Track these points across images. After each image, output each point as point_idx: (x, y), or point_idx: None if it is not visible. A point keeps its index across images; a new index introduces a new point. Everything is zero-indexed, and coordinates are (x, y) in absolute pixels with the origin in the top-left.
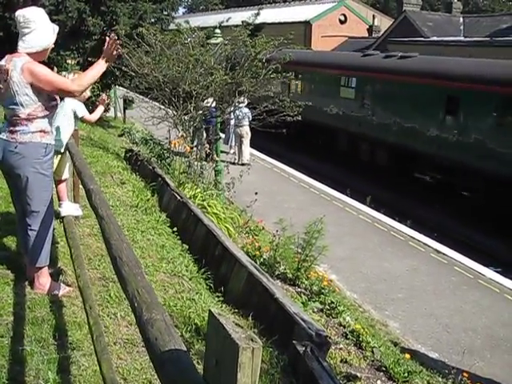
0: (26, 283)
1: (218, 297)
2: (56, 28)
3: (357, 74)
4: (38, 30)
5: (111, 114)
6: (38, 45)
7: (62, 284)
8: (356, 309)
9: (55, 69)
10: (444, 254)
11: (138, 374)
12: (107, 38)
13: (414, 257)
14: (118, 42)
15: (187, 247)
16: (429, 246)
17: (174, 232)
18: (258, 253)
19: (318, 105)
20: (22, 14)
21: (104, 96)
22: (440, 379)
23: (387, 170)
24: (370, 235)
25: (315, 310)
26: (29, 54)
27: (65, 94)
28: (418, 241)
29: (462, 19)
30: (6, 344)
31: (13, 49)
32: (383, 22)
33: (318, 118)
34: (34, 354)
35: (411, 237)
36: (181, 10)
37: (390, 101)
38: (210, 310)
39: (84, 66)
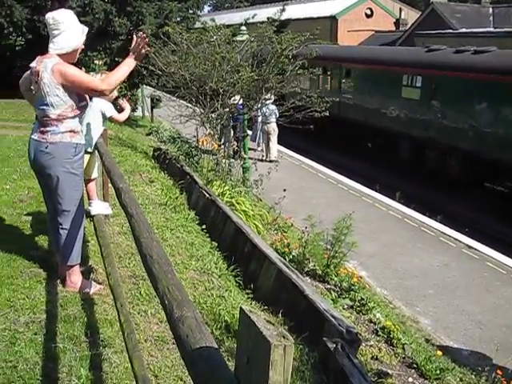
0: (58, 281)
1: (247, 294)
2: (85, 29)
3: (423, 72)
4: (67, 31)
5: (139, 113)
6: (67, 46)
7: (93, 282)
8: (386, 305)
9: (83, 69)
10: (476, 249)
11: (169, 371)
12: (135, 36)
13: (445, 252)
14: (146, 40)
15: (216, 245)
16: (460, 242)
17: (202, 230)
18: (287, 249)
19: (374, 106)
20: (51, 16)
21: (122, 100)
22: (473, 376)
23: (455, 178)
24: (399, 231)
25: (345, 306)
26: (59, 56)
27: (94, 93)
28: (449, 236)
29: (491, 10)
30: (39, 341)
31: (43, 51)
32: (410, 15)
33: (374, 120)
34: (66, 352)
35: (442, 232)
36: (206, 8)
37: (465, 102)
38: (241, 308)
39: (111, 67)
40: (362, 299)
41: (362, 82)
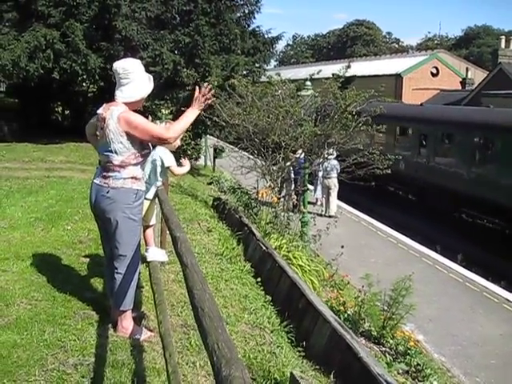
0: (110, 325)
1: (299, 352)
2: (151, 77)
3: None
4: (136, 80)
5: (201, 162)
6: (135, 95)
7: (143, 329)
8: (444, 373)
9: (150, 117)
10: None
11: None
12: (198, 89)
13: (509, 321)
14: (211, 91)
15: (270, 298)
16: None
17: (257, 282)
18: (342, 308)
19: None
20: (121, 65)
21: (183, 161)
22: None
23: None
24: (460, 295)
25: (400, 371)
26: (126, 104)
27: (159, 141)
28: None
29: None
30: None
31: (112, 97)
32: (477, 75)
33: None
34: None
35: (506, 299)
36: (272, 63)
37: None
38: (291, 373)
39: (177, 115)
40: (419, 365)
41: None
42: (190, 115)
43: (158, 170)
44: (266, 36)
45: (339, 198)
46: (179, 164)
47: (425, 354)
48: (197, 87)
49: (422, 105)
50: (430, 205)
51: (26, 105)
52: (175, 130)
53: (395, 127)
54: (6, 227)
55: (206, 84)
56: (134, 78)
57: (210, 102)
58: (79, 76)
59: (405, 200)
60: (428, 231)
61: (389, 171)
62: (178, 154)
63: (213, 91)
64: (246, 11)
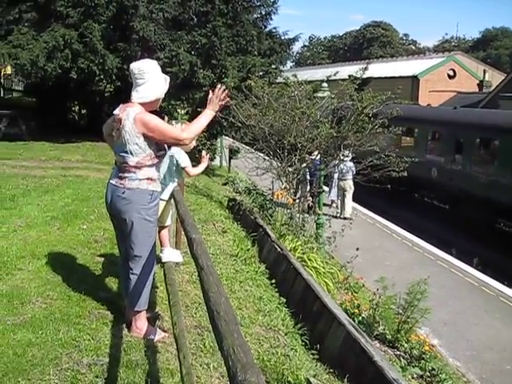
0: (124, 325)
1: (313, 354)
2: (167, 78)
3: None
4: (152, 81)
5: (216, 162)
6: (151, 95)
7: (158, 329)
8: (459, 378)
9: (166, 118)
10: None
11: None
12: (217, 88)
13: None
14: (225, 92)
15: (285, 300)
16: None
17: (272, 284)
18: (356, 311)
19: None
20: (136, 66)
21: (204, 153)
22: None
23: None
24: (476, 299)
25: (415, 376)
26: (142, 104)
27: (175, 142)
28: None
29: None
30: None
31: (128, 97)
32: (494, 77)
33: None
34: None
35: None
36: (288, 64)
37: None
38: (307, 379)
39: (193, 116)
40: (433, 369)
41: None
42: (206, 117)
43: (174, 170)
44: (282, 37)
45: (354, 199)
46: (194, 165)
47: (439, 358)
48: (211, 92)
49: (455, 108)
50: (465, 215)
51: (44, 104)
52: (191, 131)
53: (427, 131)
54: (22, 226)
55: (219, 85)
56: (150, 79)
57: (224, 103)
58: (96, 76)
59: (434, 208)
60: (459, 242)
61: (405, 174)
62: (194, 154)
63: (226, 92)
64: (263, 12)
